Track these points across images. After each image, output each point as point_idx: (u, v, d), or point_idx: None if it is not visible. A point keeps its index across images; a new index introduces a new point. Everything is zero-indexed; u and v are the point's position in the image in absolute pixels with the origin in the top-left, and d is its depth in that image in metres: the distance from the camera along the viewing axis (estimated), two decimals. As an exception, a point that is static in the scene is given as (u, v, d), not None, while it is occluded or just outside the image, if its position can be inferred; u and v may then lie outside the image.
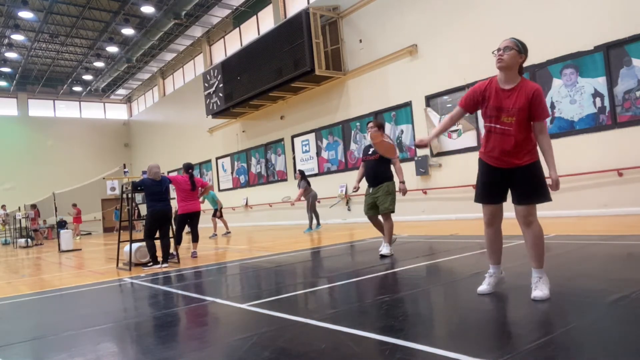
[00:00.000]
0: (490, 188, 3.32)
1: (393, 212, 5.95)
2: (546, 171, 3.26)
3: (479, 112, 3.37)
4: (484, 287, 3.44)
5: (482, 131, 3.43)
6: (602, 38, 9.19)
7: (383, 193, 5.93)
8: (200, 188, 8.27)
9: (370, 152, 6.14)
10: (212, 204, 13.99)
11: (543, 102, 3.13)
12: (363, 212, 6.27)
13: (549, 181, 3.18)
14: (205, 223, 20.32)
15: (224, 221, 14.10)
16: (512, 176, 3.21)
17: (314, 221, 12.48)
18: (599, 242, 5.74)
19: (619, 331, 2.49)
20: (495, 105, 3.18)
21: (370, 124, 6.07)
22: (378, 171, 6.03)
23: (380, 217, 6.15)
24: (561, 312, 2.95)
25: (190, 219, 8.14)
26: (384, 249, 5.92)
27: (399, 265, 5.25)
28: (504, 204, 3.38)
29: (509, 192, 3.34)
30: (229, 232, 14.26)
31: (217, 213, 13.91)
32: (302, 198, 12.53)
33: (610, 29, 9.07)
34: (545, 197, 3.19)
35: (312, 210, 12.32)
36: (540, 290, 3.14)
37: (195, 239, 8.23)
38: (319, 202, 13.04)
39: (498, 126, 3.18)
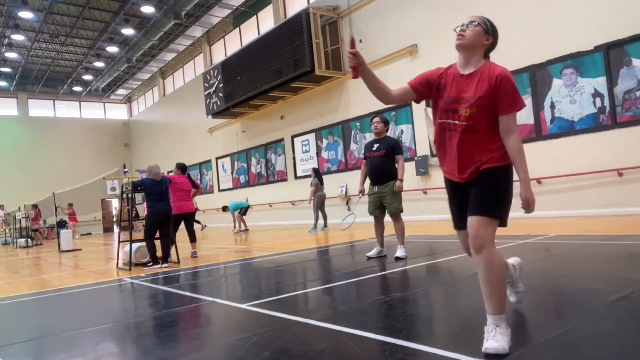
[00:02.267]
0: (456, 207, 2.55)
1: (402, 211, 5.75)
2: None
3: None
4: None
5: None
6: (602, 38, 9.19)
7: (391, 192, 5.68)
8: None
9: (375, 148, 5.81)
10: (234, 210, 14.89)
11: (511, 90, 2.35)
12: (364, 213, 6.11)
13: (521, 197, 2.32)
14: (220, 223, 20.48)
15: (241, 219, 14.82)
16: (471, 186, 2.42)
17: (320, 221, 12.48)
18: (599, 242, 5.74)
19: (619, 331, 2.50)
20: (453, 96, 2.48)
21: (376, 119, 5.90)
22: (384, 168, 5.75)
23: (386, 218, 5.94)
24: (561, 312, 2.95)
25: (185, 219, 8.18)
26: (399, 252, 5.65)
27: (399, 265, 5.25)
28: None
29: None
30: (247, 230, 14.87)
31: (242, 211, 14.77)
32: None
33: (610, 29, 9.06)
34: (496, 213, 2.32)
35: (318, 210, 12.33)
36: (495, 340, 2.20)
37: (192, 239, 8.24)
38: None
39: (457, 122, 2.45)
